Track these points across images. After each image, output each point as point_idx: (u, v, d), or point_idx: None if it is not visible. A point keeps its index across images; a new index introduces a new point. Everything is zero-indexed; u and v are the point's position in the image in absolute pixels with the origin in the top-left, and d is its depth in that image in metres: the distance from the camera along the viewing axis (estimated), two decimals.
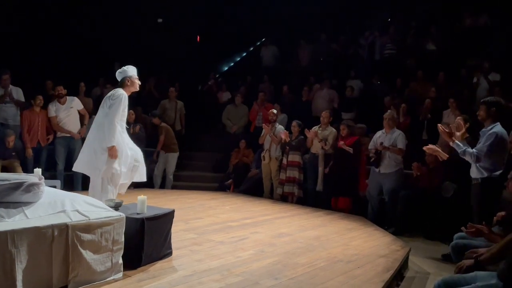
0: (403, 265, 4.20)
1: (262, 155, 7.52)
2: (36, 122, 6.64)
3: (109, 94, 4.37)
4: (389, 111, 6.61)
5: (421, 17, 11.08)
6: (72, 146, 6.89)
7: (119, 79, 4.42)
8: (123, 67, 4.46)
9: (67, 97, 6.94)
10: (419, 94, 8.09)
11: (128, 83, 4.40)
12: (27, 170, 6.24)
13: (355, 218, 5.92)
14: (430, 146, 4.52)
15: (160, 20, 12.29)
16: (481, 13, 9.66)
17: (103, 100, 4.37)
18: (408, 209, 5.87)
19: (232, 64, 14.10)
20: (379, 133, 6.28)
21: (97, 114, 4.42)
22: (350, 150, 6.43)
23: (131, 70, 4.44)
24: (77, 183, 6.95)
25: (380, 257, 4.04)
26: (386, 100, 7.85)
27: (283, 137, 7.13)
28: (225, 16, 12.54)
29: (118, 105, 4.18)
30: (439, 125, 4.43)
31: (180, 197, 6.68)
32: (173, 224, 3.73)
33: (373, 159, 6.12)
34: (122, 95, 4.25)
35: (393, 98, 7.90)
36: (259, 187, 7.76)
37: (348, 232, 5.05)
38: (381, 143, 6.06)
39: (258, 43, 13.25)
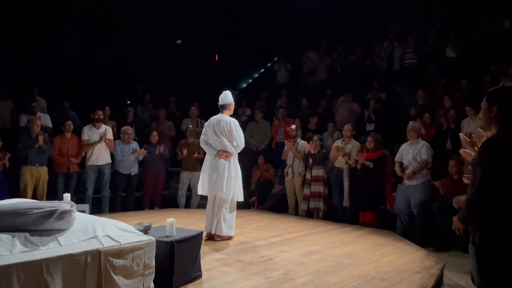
0: (439, 281, 4.06)
1: (285, 171, 7.47)
2: (66, 148, 6.75)
3: (217, 120, 5.06)
4: (411, 122, 6.48)
5: (439, 24, 10.97)
6: (102, 170, 7.00)
7: (222, 102, 5.11)
8: (226, 92, 5.15)
9: (103, 124, 7.11)
10: (441, 103, 7.92)
11: (230, 108, 5.15)
12: (57, 195, 6.34)
13: (384, 233, 5.78)
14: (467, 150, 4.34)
15: (179, 42, 12.53)
16: (501, 17, 9.50)
17: (211, 126, 5.06)
18: (446, 223, 5.65)
19: (250, 81, 14.20)
20: (404, 145, 6.17)
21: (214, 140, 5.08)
22: (370, 164, 6.32)
23: (231, 96, 5.13)
24: (105, 206, 7.05)
25: (415, 274, 3.92)
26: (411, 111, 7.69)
27: (308, 148, 7.09)
28: (242, 34, 12.70)
29: (240, 129, 5.13)
30: (460, 134, 4.31)
31: None
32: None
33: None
34: (236, 121, 5.13)
35: (418, 108, 7.76)
36: (283, 204, 7.70)
37: (379, 248, 4.93)
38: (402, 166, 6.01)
39: (276, 58, 13.34)
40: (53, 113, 8.10)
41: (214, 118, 5.17)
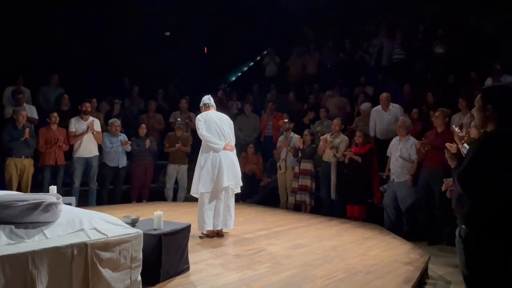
0: (424, 274, 4.13)
1: (278, 164, 7.50)
2: (52, 140, 6.62)
3: (218, 116, 5.10)
4: (401, 118, 6.54)
5: (428, 20, 11.05)
6: (89, 163, 6.93)
7: (209, 101, 5.22)
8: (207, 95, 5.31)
9: (90, 116, 7.02)
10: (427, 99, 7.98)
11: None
12: (43, 187, 6.26)
13: (371, 227, 5.85)
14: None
15: (167, 33, 12.41)
16: (489, 14, 9.61)
17: (214, 121, 5.01)
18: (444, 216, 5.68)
19: (239, 74, 14.16)
20: (394, 141, 6.21)
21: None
22: (359, 159, 6.37)
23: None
24: (92, 198, 6.99)
25: (400, 267, 3.97)
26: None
27: (298, 143, 7.12)
28: (231, 26, 12.63)
29: None
30: (452, 126, 4.36)
31: (194, 210, 6.55)
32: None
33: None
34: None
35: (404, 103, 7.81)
36: (272, 197, 7.73)
37: (365, 241, 4.98)
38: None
39: (265, 52, 13.31)
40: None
41: (213, 115, 5.09)
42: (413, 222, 5.92)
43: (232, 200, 5.08)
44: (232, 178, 5.00)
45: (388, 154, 6.25)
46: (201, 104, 5.24)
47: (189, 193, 7.82)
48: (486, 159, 2.14)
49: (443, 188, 3.20)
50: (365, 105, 7.82)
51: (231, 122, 5.25)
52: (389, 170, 6.19)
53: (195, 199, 8.02)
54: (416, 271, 3.85)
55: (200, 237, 4.90)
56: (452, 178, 2.46)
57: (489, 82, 7.73)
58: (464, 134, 3.69)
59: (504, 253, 2.15)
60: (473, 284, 2.27)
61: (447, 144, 3.82)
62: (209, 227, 4.84)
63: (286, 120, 7.63)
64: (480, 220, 2.19)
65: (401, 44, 10.05)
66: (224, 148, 4.99)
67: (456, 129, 3.92)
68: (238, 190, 5.24)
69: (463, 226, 2.27)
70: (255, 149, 8.36)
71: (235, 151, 5.20)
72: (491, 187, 2.15)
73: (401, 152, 5.98)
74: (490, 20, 9.53)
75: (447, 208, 5.16)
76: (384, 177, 6.38)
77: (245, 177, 8.23)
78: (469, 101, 6.71)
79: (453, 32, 9.95)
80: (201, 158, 4.99)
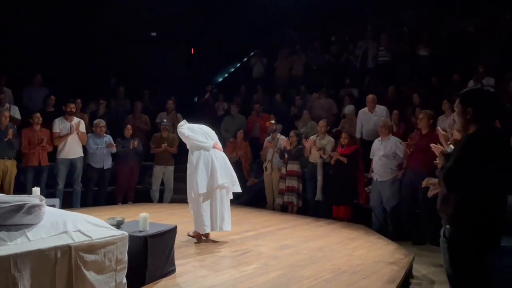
0: (408, 274, 4.18)
1: (264, 165, 7.51)
2: (36, 140, 6.49)
3: (202, 127, 5.14)
4: (382, 118, 6.63)
5: (412, 23, 11.19)
6: (74, 164, 6.83)
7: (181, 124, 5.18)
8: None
9: (75, 117, 6.92)
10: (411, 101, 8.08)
11: None
12: (26, 189, 6.15)
13: (357, 227, 5.90)
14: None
15: (153, 34, 12.32)
16: (472, 17, 9.79)
17: (199, 129, 5.04)
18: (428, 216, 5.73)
19: (226, 75, 14.14)
20: (375, 142, 6.29)
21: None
22: (344, 160, 6.42)
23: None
24: (76, 200, 6.90)
25: (385, 267, 4.01)
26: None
27: (284, 144, 7.14)
28: (219, 28, 12.61)
29: None
30: (437, 128, 4.43)
31: (180, 211, 6.62)
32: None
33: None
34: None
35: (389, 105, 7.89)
36: (258, 198, 7.73)
37: (351, 241, 5.02)
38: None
39: (252, 53, 13.32)
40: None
41: (195, 125, 5.12)
42: (397, 222, 5.99)
43: (227, 201, 4.98)
44: (226, 177, 4.93)
45: (371, 156, 6.30)
46: (179, 127, 5.15)
47: (175, 194, 7.85)
48: (469, 160, 2.18)
49: (423, 184, 3.24)
50: (348, 108, 7.85)
51: (213, 131, 5.23)
52: (372, 171, 6.24)
53: (181, 201, 7.99)
54: (401, 271, 3.89)
55: (187, 238, 4.87)
56: (437, 178, 2.49)
57: (471, 84, 7.85)
58: (449, 135, 3.74)
59: (487, 253, 2.19)
60: (457, 283, 2.31)
61: (432, 145, 3.88)
62: (209, 229, 4.77)
63: (273, 122, 7.65)
64: (464, 221, 2.23)
65: (386, 47, 10.17)
66: (213, 147, 4.97)
67: (441, 131, 3.97)
68: (238, 190, 5.11)
69: (448, 226, 2.30)
70: (244, 136, 8.19)
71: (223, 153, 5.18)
72: (475, 188, 2.19)
73: (385, 151, 6.04)
74: (472, 22, 9.70)
75: (431, 208, 5.26)
76: (365, 180, 6.45)
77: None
78: (452, 103, 6.76)
79: (437, 35, 10.11)
80: (192, 159, 4.87)
